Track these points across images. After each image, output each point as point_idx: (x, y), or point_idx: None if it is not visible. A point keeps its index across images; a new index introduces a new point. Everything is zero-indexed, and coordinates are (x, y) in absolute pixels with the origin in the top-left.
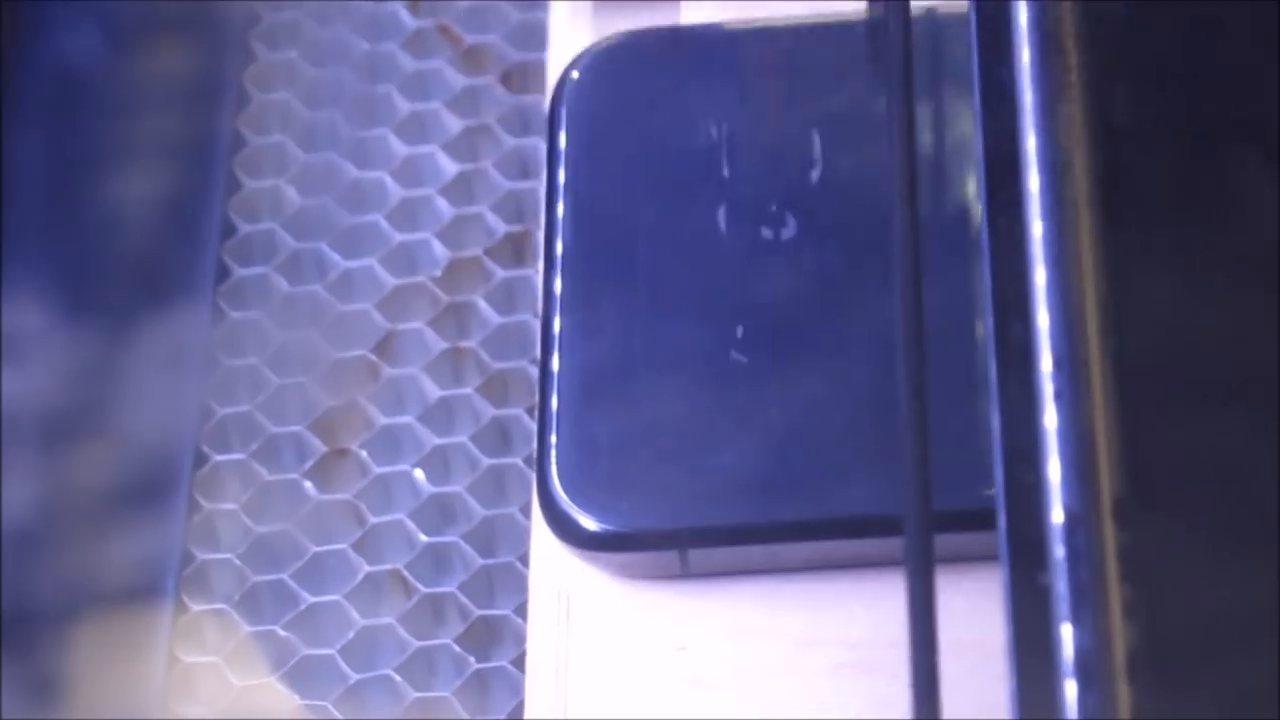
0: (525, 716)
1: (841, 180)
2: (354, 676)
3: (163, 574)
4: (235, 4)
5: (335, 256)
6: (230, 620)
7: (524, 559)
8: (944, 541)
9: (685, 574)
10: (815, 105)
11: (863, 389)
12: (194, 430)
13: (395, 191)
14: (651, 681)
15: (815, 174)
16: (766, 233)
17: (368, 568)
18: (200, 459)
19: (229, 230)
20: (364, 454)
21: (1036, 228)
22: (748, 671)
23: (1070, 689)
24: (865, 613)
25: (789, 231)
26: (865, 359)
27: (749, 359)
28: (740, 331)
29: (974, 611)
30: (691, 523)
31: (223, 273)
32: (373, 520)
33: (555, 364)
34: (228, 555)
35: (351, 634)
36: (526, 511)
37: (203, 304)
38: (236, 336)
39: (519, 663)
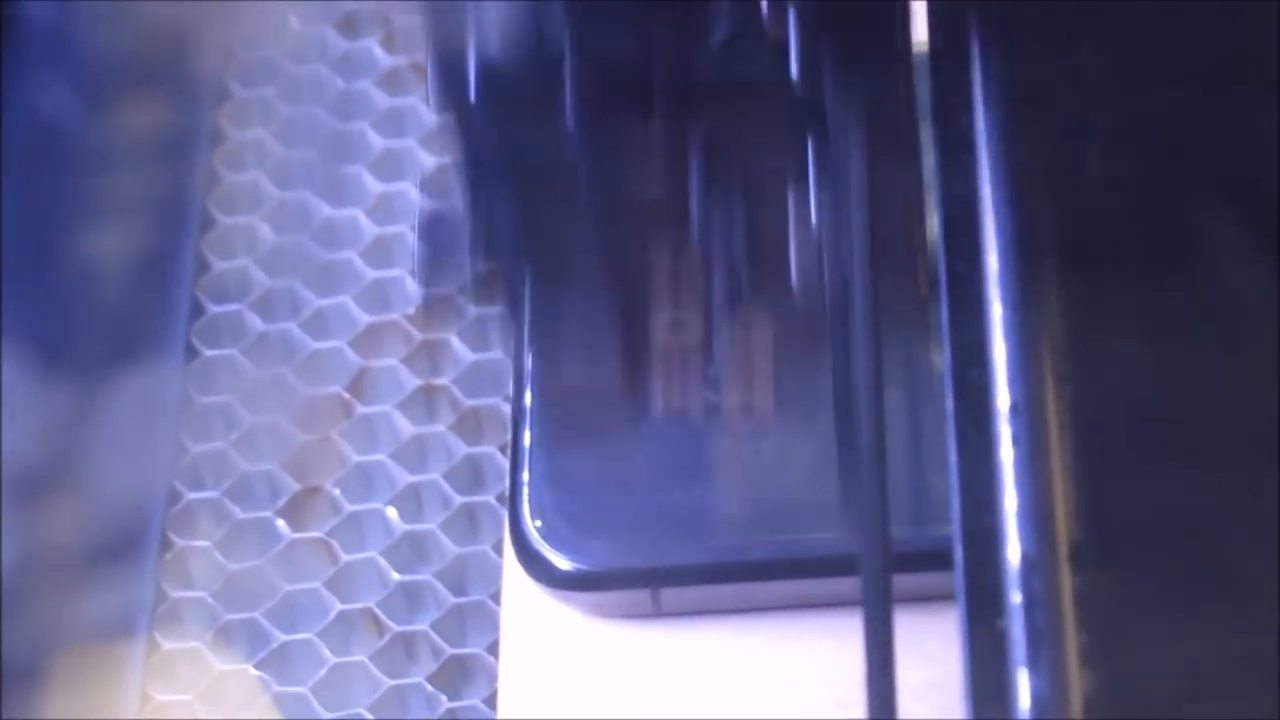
0: None
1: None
2: (326, 715)
3: (135, 612)
4: (210, 44)
5: (308, 294)
6: (203, 658)
7: (496, 597)
8: (911, 580)
9: (658, 613)
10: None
11: (834, 426)
12: (167, 470)
13: (369, 228)
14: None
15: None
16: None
17: (340, 606)
18: (174, 497)
19: (203, 267)
20: (336, 492)
21: (994, 274)
22: (719, 710)
23: None
24: (839, 652)
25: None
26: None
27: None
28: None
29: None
30: (663, 562)
31: (196, 310)
32: (345, 558)
33: (528, 401)
34: (200, 593)
35: (323, 672)
36: (499, 549)
37: (176, 349)
38: (210, 374)
39: (491, 701)
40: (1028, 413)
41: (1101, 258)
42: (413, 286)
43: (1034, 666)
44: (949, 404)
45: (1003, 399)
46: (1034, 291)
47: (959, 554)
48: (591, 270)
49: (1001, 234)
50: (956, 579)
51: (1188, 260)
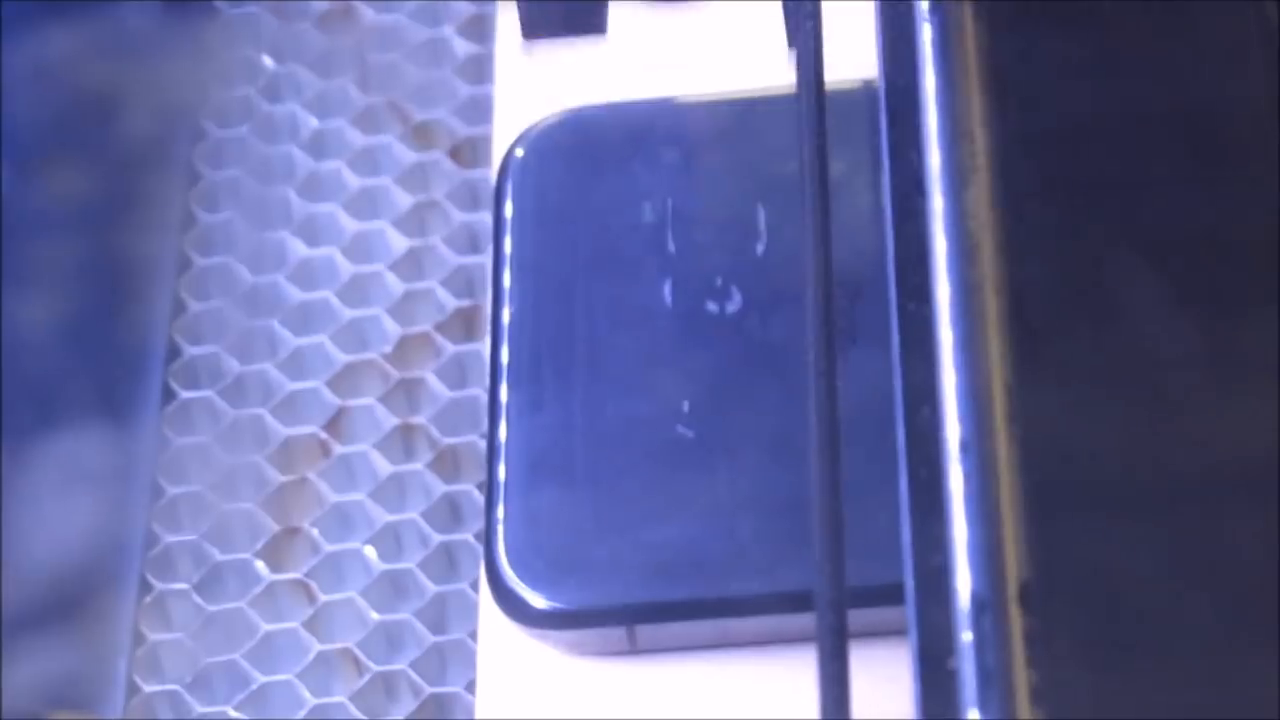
0: None
1: (786, 254)
2: None
3: (115, 655)
4: (185, 80)
5: (286, 333)
6: (182, 701)
7: (474, 635)
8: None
9: (633, 650)
10: (760, 178)
11: (808, 462)
12: (145, 512)
13: (345, 267)
14: None
15: (760, 248)
16: (712, 307)
17: (319, 646)
18: (152, 540)
19: (179, 309)
20: (315, 532)
21: (946, 314)
22: None
23: None
24: (815, 688)
25: (734, 305)
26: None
27: (695, 433)
28: (686, 406)
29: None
30: (638, 599)
31: (173, 352)
32: (324, 598)
33: (502, 439)
34: (179, 635)
35: (303, 713)
36: (477, 587)
37: (152, 393)
38: (187, 416)
39: None
40: (977, 451)
41: (1049, 299)
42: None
43: (984, 706)
44: (900, 441)
45: (953, 437)
46: (983, 332)
47: (910, 593)
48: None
49: (953, 274)
50: (908, 618)
51: (1125, 309)
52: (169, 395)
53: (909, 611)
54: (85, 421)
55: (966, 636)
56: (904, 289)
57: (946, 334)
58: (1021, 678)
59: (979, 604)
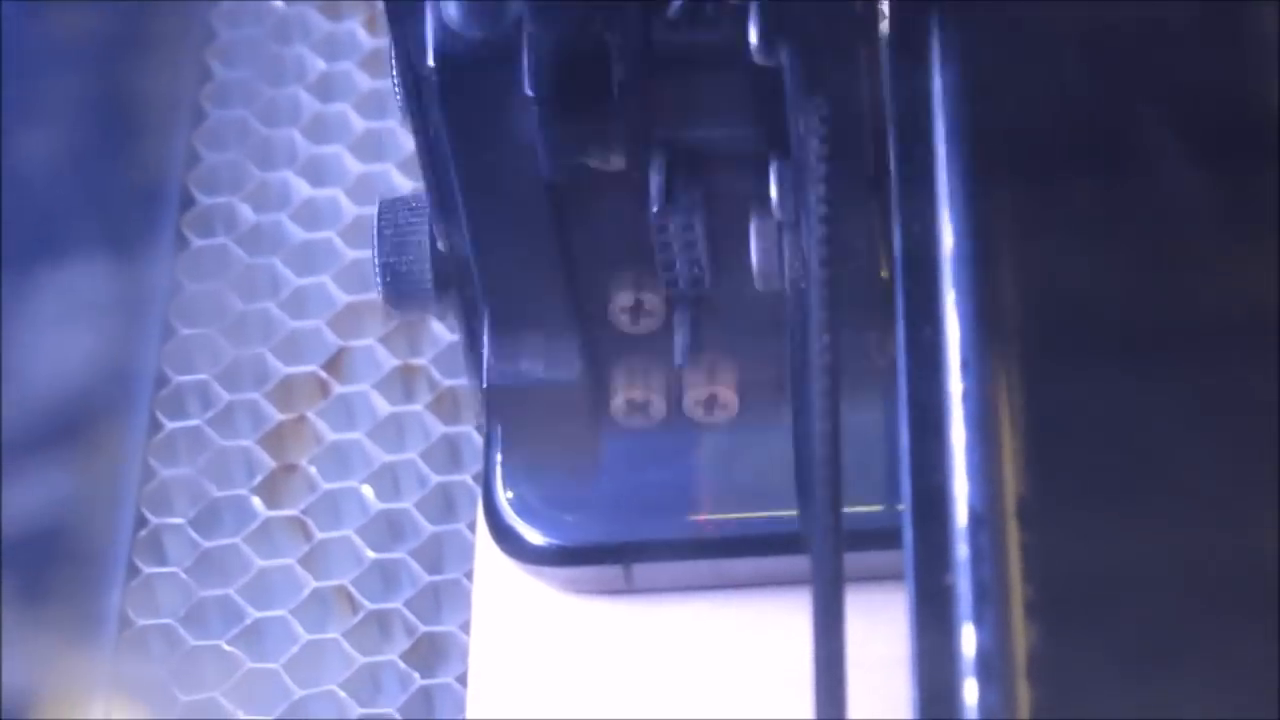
0: None
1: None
2: (298, 692)
3: (108, 588)
4: (194, 17)
5: (288, 273)
6: (176, 634)
7: (470, 575)
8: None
9: (630, 589)
10: None
11: (809, 405)
12: (142, 446)
13: (349, 208)
14: (595, 697)
15: None
16: None
17: (314, 583)
18: (148, 474)
19: (182, 244)
20: (312, 470)
21: (949, 249)
22: (691, 687)
23: (970, 688)
24: (810, 629)
25: None
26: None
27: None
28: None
29: None
30: (636, 537)
31: (175, 289)
32: (320, 536)
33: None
34: (174, 570)
35: (297, 649)
36: (474, 528)
37: (151, 348)
38: (187, 352)
39: (464, 679)
40: (977, 369)
41: (1053, 225)
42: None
43: (979, 620)
44: (900, 361)
45: (953, 356)
46: (987, 251)
47: (907, 510)
48: (550, 250)
49: (956, 200)
50: (905, 535)
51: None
52: (169, 331)
53: (905, 529)
54: (90, 254)
55: (963, 551)
56: (907, 210)
57: (948, 264)
58: (1017, 592)
59: (976, 519)
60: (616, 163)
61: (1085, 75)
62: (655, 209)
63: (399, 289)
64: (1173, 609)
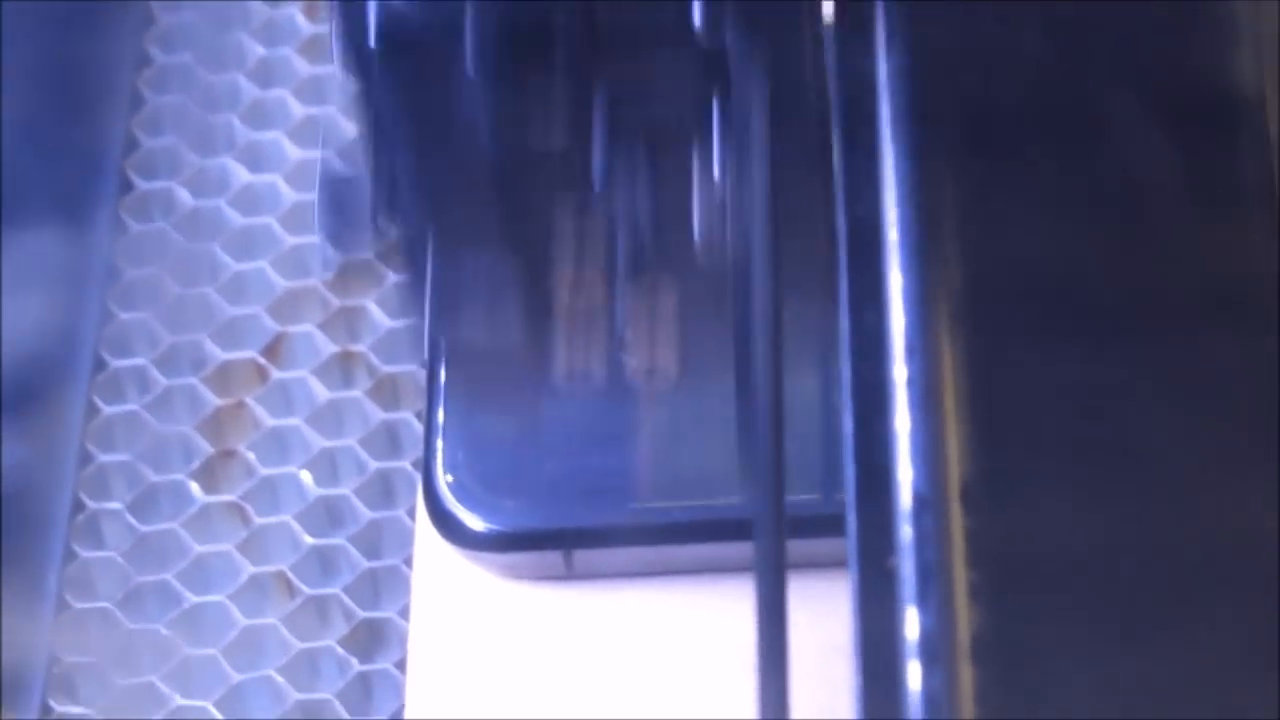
0: (406, 718)
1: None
2: (236, 677)
3: (44, 572)
4: (131, 4)
5: (227, 258)
6: (113, 618)
7: (409, 562)
8: (823, 545)
9: (570, 575)
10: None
11: (750, 391)
12: (78, 431)
13: (288, 195)
14: (535, 684)
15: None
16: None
17: (252, 569)
18: (86, 458)
19: (121, 230)
20: (251, 455)
21: (894, 216)
22: (631, 674)
23: (914, 670)
24: (752, 616)
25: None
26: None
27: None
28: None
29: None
30: (576, 523)
31: (113, 274)
32: (258, 521)
33: (442, 365)
34: (112, 554)
35: (234, 634)
36: (413, 514)
37: (91, 325)
38: (125, 335)
39: (402, 665)
40: (921, 352)
41: (997, 207)
42: (328, 251)
43: (923, 603)
44: (844, 342)
45: (897, 340)
46: (929, 233)
47: (851, 491)
48: (494, 229)
49: (901, 180)
50: (848, 518)
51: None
52: (107, 316)
53: (849, 510)
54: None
55: (907, 533)
56: (851, 192)
57: (894, 235)
58: (961, 575)
59: (921, 501)
60: (559, 141)
61: (1032, 54)
62: (597, 186)
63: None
64: (1116, 590)
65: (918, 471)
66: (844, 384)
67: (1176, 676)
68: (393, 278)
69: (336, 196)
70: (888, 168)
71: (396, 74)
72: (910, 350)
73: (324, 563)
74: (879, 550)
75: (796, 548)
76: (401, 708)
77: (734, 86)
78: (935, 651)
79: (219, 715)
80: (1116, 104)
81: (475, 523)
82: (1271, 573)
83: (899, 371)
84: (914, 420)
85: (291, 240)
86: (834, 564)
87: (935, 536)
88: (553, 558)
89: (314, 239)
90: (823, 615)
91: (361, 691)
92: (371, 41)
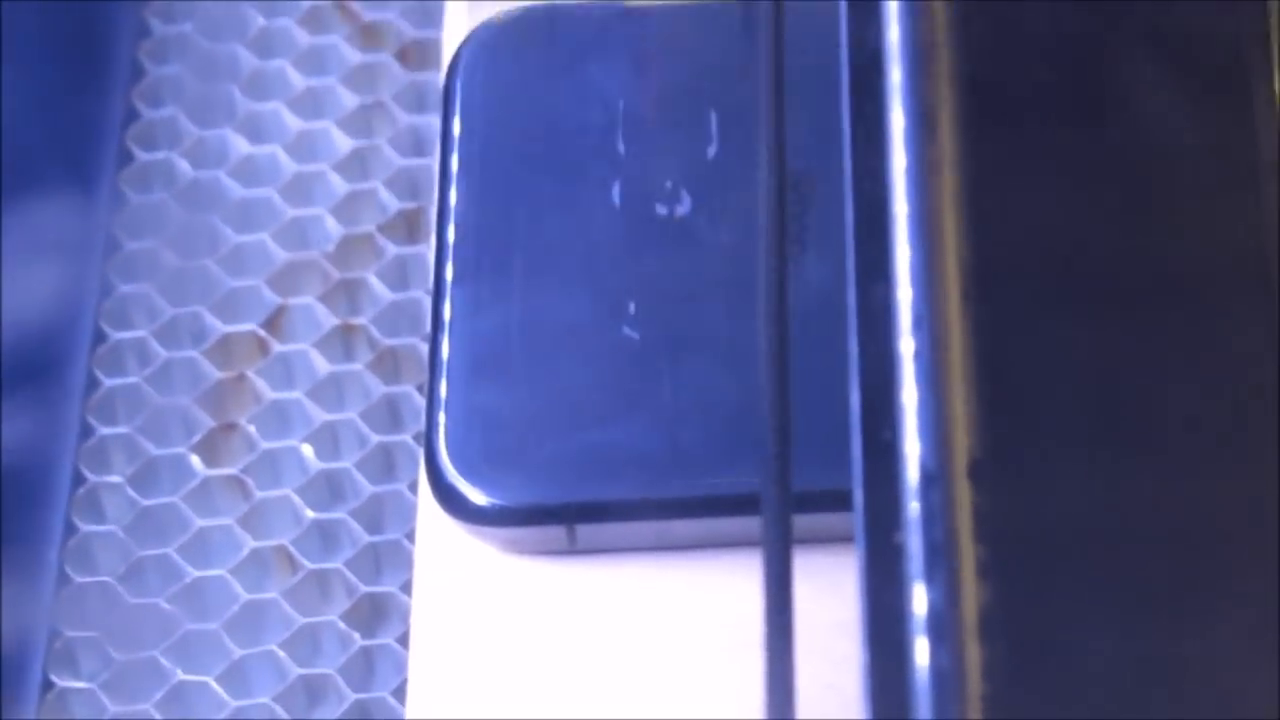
0: (408, 694)
1: (738, 158)
2: (238, 652)
3: (45, 546)
4: None
5: (227, 230)
6: (115, 593)
7: (411, 536)
8: (829, 520)
9: (573, 550)
10: (711, 83)
11: (754, 366)
12: (78, 404)
13: (288, 166)
14: (538, 658)
15: (711, 151)
16: (661, 210)
17: (253, 543)
18: (86, 431)
19: (120, 203)
20: (252, 429)
21: (901, 188)
22: (634, 648)
23: (921, 646)
24: (755, 591)
25: (683, 209)
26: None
27: (641, 335)
28: (633, 308)
29: None
30: (579, 497)
31: (112, 245)
32: (259, 495)
33: (445, 339)
34: (112, 528)
35: (236, 609)
36: (415, 489)
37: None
38: (125, 310)
39: (404, 640)
40: (930, 328)
41: (1006, 183)
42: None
43: (930, 579)
44: (851, 319)
45: (905, 314)
46: (938, 205)
47: (857, 467)
48: None
49: (909, 153)
50: (855, 493)
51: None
52: (107, 288)
53: (855, 486)
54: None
55: (914, 509)
56: (859, 167)
57: (901, 207)
58: (968, 551)
59: (928, 477)
60: None
61: (1045, 26)
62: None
63: None
64: (1126, 566)
65: (925, 446)
66: (851, 361)
67: (1188, 652)
68: (394, 250)
69: None
70: (896, 140)
71: None
72: (917, 323)
73: (325, 537)
74: (886, 525)
75: (803, 523)
76: (404, 682)
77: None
78: (943, 628)
79: (221, 690)
80: (1129, 74)
81: (478, 497)
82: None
83: (906, 345)
84: (921, 394)
85: (292, 212)
86: (841, 539)
87: (942, 512)
88: (555, 532)
89: (315, 211)
90: (829, 591)
91: (364, 666)
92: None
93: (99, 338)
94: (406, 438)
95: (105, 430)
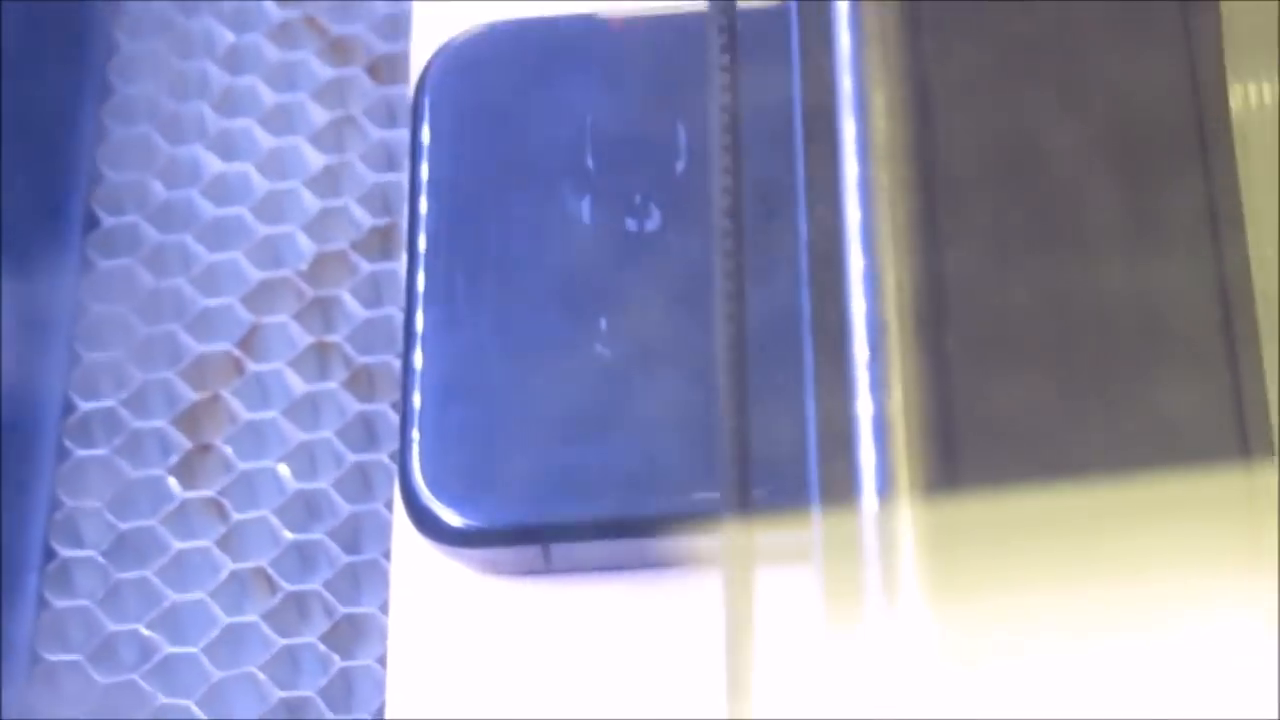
0: (386, 715)
1: (707, 172)
2: (217, 675)
3: (24, 570)
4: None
5: (200, 249)
6: (94, 618)
7: (389, 555)
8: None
9: (549, 570)
10: (680, 96)
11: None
12: (56, 425)
13: (260, 184)
14: (515, 677)
15: (680, 166)
16: (631, 225)
17: (231, 565)
18: (63, 454)
19: (92, 223)
20: (228, 449)
21: (853, 208)
22: (610, 668)
23: (879, 666)
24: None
25: (653, 224)
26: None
27: (612, 352)
28: (604, 325)
29: None
30: (553, 518)
31: (86, 266)
32: (236, 517)
33: (418, 358)
34: (91, 552)
35: (216, 632)
36: (392, 507)
37: (64, 309)
38: (99, 332)
39: (384, 661)
40: (883, 357)
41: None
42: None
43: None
44: (806, 346)
45: (860, 344)
46: (885, 229)
47: (815, 493)
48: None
49: (860, 170)
50: (813, 522)
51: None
52: (81, 310)
53: (814, 511)
54: None
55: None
56: (812, 188)
57: (854, 230)
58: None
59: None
60: None
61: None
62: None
63: None
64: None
65: (880, 474)
66: (807, 387)
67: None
68: (367, 267)
69: None
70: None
71: None
72: (875, 353)
73: (303, 558)
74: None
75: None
76: (383, 704)
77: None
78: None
79: (201, 714)
80: (1070, 139)
81: (452, 519)
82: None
83: (862, 376)
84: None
85: (265, 230)
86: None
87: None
88: (531, 553)
89: (287, 229)
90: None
91: (344, 688)
92: None
93: (74, 359)
94: (383, 456)
95: (82, 452)
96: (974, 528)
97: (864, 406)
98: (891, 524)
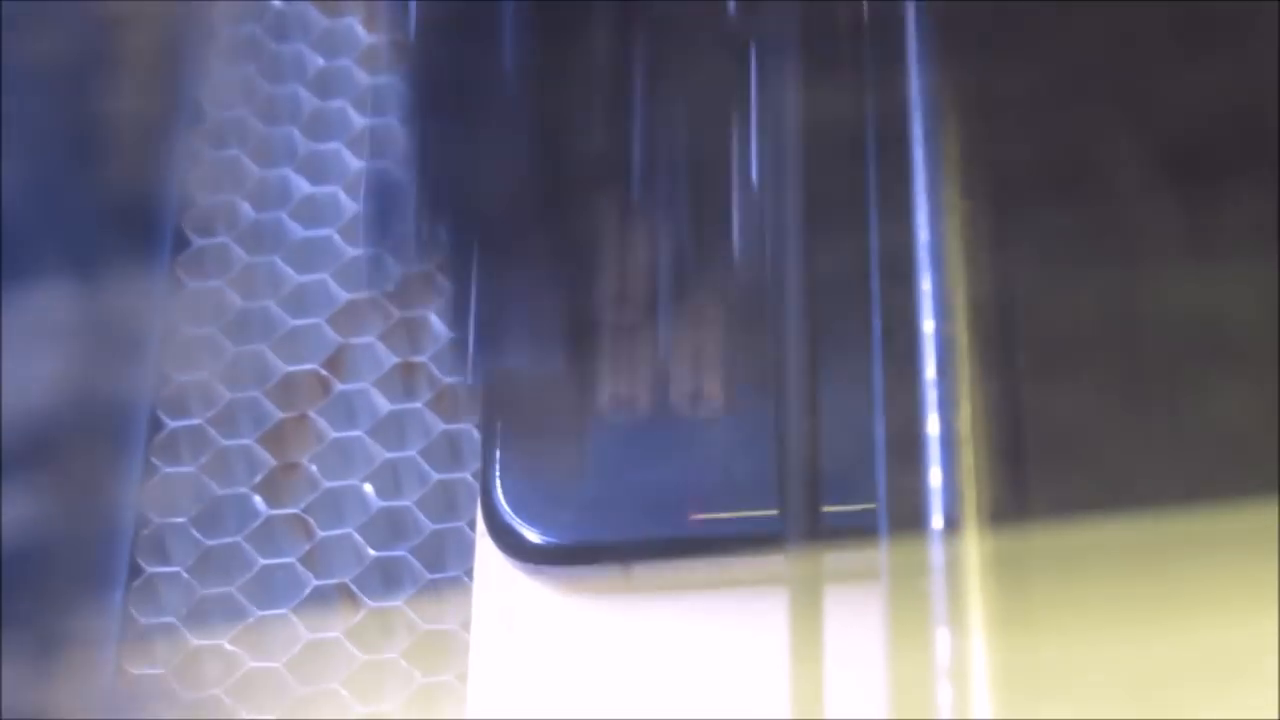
0: None
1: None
2: (301, 690)
3: (111, 586)
4: (194, 19)
5: (288, 270)
6: (179, 634)
7: (471, 573)
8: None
9: (630, 588)
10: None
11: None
12: (143, 445)
13: (348, 206)
14: (595, 695)
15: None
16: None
17: (316, 581)
18: (150, 470)
19: (181, 244)
20: (314, 468)
21: (922, 226)
22: (690, 687)
23: (944, 692)
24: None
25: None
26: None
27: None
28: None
29: None
30: (635, 536)
31: (175, 287)
32: (321, 534)
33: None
34: (176, 569)
35: (298, 648)
36: (474, 526)
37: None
38: (188, 351)
39: (465, 677)
40: (952, 375)
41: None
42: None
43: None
44: (876, 367)
45: (929, 363)
46: (956, 252)
47: (883, 516)
48: (536, 242)
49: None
50: (880, 540)
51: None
52: (170, 332)
53: (881, 533)
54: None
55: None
56: (886, 207)
57: (924, 253)
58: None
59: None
60: (597, 140)
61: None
62: (635, 190)
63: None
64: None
65: (948, 495)
66: (876, 407)
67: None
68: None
69: (382, 206)
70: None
71: (433, 69)
72: (942, 372)
73: (387, 575)
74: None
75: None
76: None
77: (767, 67)
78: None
79: None
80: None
81: (534, 536)
82: None
83: (930, 395)
84: (945, 442)
85: (353, 251)
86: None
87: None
88: (612, 571)
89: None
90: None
91: (425, 705)
92: (412, 34)
93: (163, 380)
94: (466, 475)
95: (169, 469)
96: (1041, 553)
97: (932, 425)
98: (958, 546)
